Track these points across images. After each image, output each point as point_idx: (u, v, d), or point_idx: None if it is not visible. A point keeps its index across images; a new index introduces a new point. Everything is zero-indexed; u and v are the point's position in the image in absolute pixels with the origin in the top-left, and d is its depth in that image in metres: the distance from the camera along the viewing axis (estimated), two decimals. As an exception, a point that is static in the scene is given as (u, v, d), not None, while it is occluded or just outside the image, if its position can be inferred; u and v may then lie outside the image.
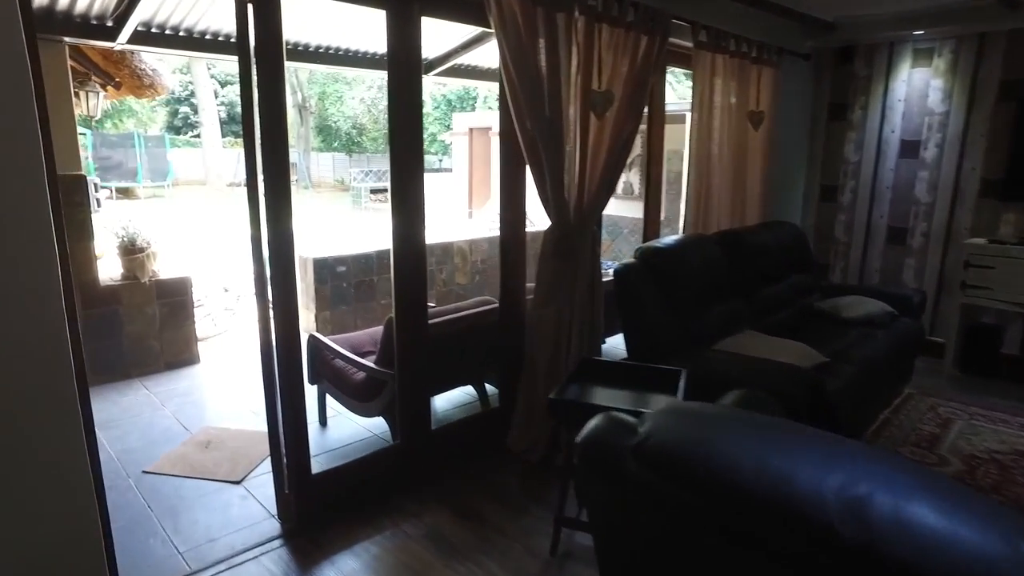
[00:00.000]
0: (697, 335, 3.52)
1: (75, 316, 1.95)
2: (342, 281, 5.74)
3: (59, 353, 1.74)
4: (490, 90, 17.80)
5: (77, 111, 4.75)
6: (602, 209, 3.62)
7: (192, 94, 28.32)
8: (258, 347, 2.75)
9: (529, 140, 3.14)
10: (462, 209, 14.64)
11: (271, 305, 2.70)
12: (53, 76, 4.12)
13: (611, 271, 3.60)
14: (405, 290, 3.06)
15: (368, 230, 13.92)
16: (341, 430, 3.86)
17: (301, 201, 21.24)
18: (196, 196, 22.34)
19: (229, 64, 32.89)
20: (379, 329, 4.10)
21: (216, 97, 25.99)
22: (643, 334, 3.46)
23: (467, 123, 14.92)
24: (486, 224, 12.81)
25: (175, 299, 4.77)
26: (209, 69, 27.63)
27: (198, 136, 27.90)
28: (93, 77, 4.75)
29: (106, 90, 5.22)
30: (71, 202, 4.21)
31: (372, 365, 3.27)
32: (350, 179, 20.99)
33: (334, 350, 3.53)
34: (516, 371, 3.53)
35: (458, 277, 6.68)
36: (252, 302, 6.62)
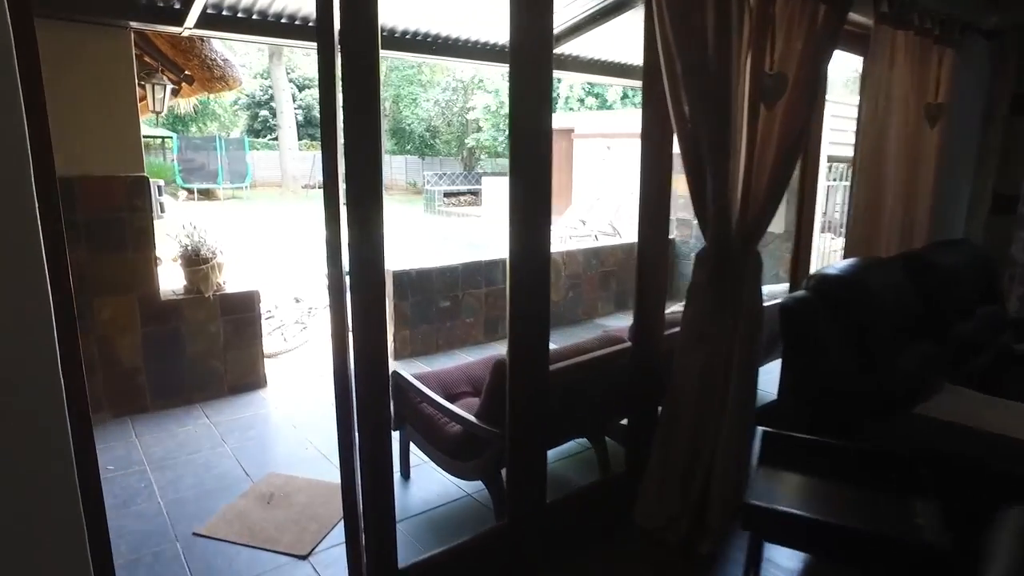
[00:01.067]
0: (889, 389, 2.68)
1: (76, 347, 1.41)
2: (425, 297, 5.12)
3: (47, 394, 1.14)
4: (572, 88, 17.08)
5: (143, 111, 4.31)
6: (767, 224, 2.83)
7: (271, 98, 28.82)
8: (332, 381, 2.13)
9: (688, 136, 2.41)
10: (539, 215, 13.96)
11: (350, 330, 2.07)
12: (116, 66, 3.65)
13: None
14: (523, 325, 2.37)
15: (444, 236, 13.43)
16: (427, 485, 3.20)
17: (374, 204, 21.04)
18: (272, 198, 22.55)
19: (309, 67, 33.48)
20: (473, 363, 3.43)
21: (294, 100, 26.27)
22: (816, 384, 2.65)
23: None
24: (566, 233, 12.10)
25: (241, 316, 4.25)
26: (288, 73, 28.06)
27: (276, 139, 28.34)
28: (161, 68, 4.30)
29: (178, 85, 4.78)
30: (131, 207, 3.74)
31: (472, 419, 2.59)
32: (423, 182, 20.63)
33: (422, 393, 2.87)
34: (648, 425, 2.79)
35: (550, 293, 5.96)
36: (326, 317, 6.13)
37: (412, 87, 26.15)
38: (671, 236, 7.18)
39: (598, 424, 3.07)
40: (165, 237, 4.16)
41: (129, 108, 3.71)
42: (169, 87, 4.42)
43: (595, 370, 2.71)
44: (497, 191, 16.01)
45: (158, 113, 4.51)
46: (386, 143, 29.36)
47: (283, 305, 6.22)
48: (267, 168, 26.31)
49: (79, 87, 3.55)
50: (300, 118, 27.23)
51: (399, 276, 4.97)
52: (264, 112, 30.28)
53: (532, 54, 2.19)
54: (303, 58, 34.01)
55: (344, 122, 1.88)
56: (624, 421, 3.13)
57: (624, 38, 5.18)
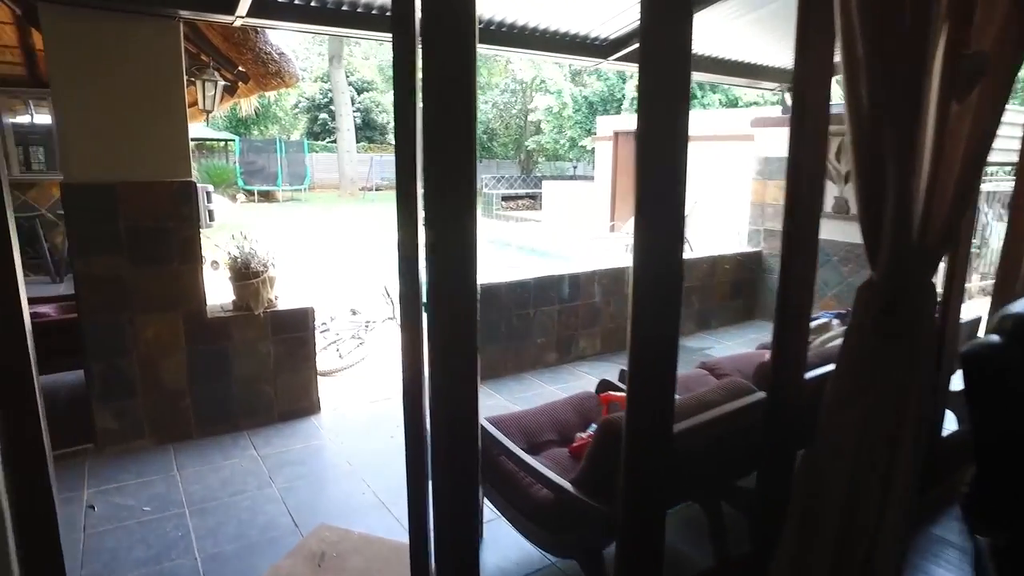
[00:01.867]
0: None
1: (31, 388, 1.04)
2: (492, 315, 4.64)
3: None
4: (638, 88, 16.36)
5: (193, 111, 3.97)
6: (950, 245, 2.23)
7: (330, 101, 29.07)
8: (394, 411, 1.67)
9: (863, 126, 1.84)
10: (602, 222, 13.34)
11: (428, 362, 1.60)
12: (163, 60, 3.30)
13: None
14: (646, 379, 1.84)
15: (504, 241, 12.97)
16: (504, 548, 2.70)
17: (430, 207, 20.82)
18: (330, 200, 22.61)
19: (367, 70, 33.69)
20: (559, 404, 2.91)
21: (352, 104, 26.36)
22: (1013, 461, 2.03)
23: (612, 126, 13.61)
24: (630, 241, 11.45)
25: (294, 335, 3.85)
26: (347, 76, 28.22)
27: (334, 141, 28.54)
28: (212, 63, 3.96)
29: (233, 83, 4.45)
30: (177, 215, 3.38)
31: (570, 488, 2.07)
32: (481, 185, 20.25)
33: (503, 446, 2.37)
34: (781, 491, 2.23)
35: (628, 310, 5.40)
36: (385, 331, 5.76)
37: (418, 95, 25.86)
38: (758, 249, 6.53)
39: (716, 487, 2.51)
40: (214, 248, 3.81)
41: (176, 107, 3.35)
42: (220, 83, 4.07)
43: (722, 427, 2.16)
44: (558, 196, 15.46)
45: (208, 112, 4.18)
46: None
47: (338, 317, 5.85)
48: (325, 170, 26.51)
49: (122, 84, 3.20)
50: (358, 121, 27.34)
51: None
52: (323, 115, 30.58)
53: (670, 48, 1.67)
54: (362, 61, 34.30)
55: (429, 123, 1.41)
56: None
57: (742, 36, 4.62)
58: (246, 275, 3.63)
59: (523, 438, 2.62)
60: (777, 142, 6.21)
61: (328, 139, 30.07)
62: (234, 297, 3.74)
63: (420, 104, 1.76)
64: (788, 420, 2.21)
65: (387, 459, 3.47)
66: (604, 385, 2.96)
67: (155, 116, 3.30)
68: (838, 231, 5.88)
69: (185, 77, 3.46)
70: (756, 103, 17.29)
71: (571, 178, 20.22)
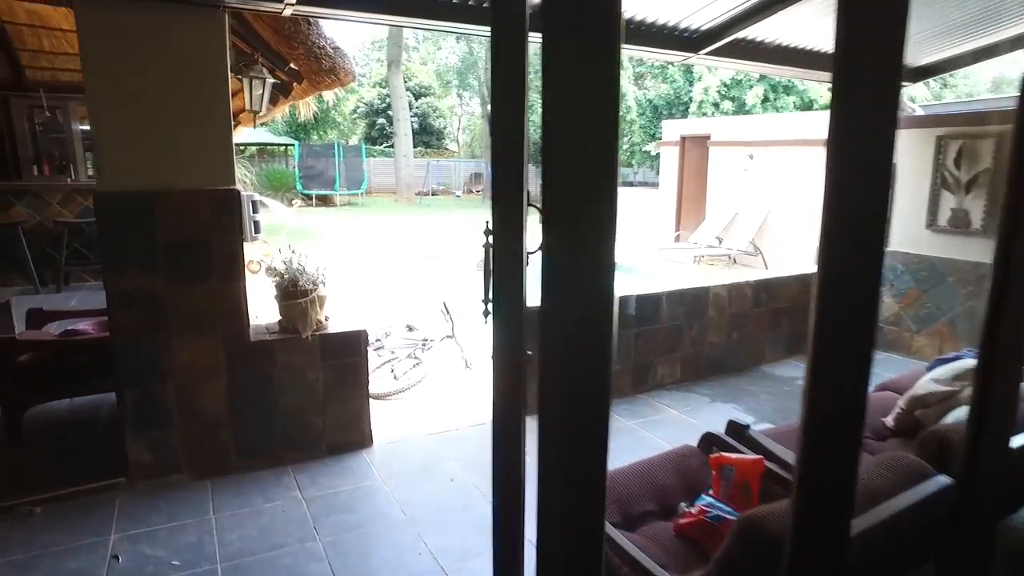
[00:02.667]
0: None
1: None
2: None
3: None
4: (707, 92, 15.68)
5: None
6: None
7: (388, 106, 29.21)
8: (491, 475, 1.31)
9: None
10: (667, 231, 12.70)
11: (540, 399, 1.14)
12: (206, 56, 2.95)
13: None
14: (825, 448, 1.33)
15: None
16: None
17: (484, 213, 20.51)
18: (386, 205, 22.57)
19: (425, 76, 33.78)
20: (655, 461, 2.40)
21: (410, 108, 26.32)
22: None
23: (679, 131, 12.96)
24: (699, 252, 10.83)
25: (345, 360, 3.46)
26: (406, 82, 28.27)
27: (391, 146, 28.61)
28: (260, 59, 3.62)
29: (287, 83, 4.11)
30: (219, 227, 3.02)
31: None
32: (537, 191, 19.80)
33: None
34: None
35: (711, 334, 4.84)
36: (444, 350, 5.34)
37: (528, 93, 25.48)
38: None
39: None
40: (257, 262, 3.46)
41: (220, 107, 3.00)
42: (269, 82, 3.73)
43: (900, 525, 1.62)
44: (620, 203, 14.85)
45: (256, 113, 3.85)
46: (499, 150, 28.91)
47: (393, 333, 5.47)
48: (382, 175, 26.56)
49: (161, 81, 2.87)
50: (415, 126, 27.32)
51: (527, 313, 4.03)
52: (381, 120, 30.76)
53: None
54: (420, 67, 34.41)
55: (558, 125, 0.96)
56: None
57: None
58: (293, 294, 3.26)
59: (615, 507, 2.13)
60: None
61: (385, 144, 30.20)
62: (280, 317, 3.37)
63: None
64: (991, 512, 1.65)
65: (447, 509, 3.03)
66: (709, 440, 2.45)
67: (196, 117, 2.95)
68: (952, 246, 5.18)
69: (231, 75, 3.12)
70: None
71: (631, 185, 19.58)
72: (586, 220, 0.98)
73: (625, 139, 16.80)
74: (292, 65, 3.81)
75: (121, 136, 2.83)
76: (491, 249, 2.25)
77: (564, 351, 0.97)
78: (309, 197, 20.62)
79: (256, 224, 3.27)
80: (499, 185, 1.37)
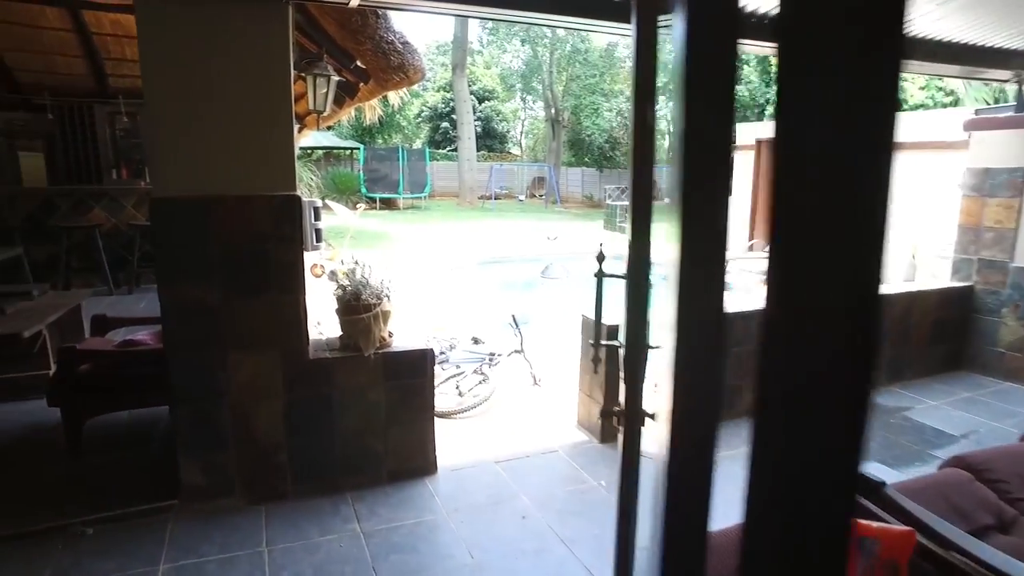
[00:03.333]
0: None
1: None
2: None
3: None
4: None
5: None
6: None
7: (452, 110, 29.29)
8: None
9: None
10: (740, 239, 12.05)
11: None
12: (268, 50, 2.74)
13: None
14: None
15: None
16: None
17: (548, 219, 20.22)
18: (449, 209, 22.55)
19: (488, 80, 33.76)
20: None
21: (473, 112, 26.27)
22: None
23: (753, 134, 12.29)
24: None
25: (409, 381, 3.20)
26: (470, 86, 28.28)
27: (454, 150, 28.67)
28: (326, 57, 3.40)
29: (354, 82, 3.90)
30: (278, 236, 2.81)
31: None
32: (604, 196, 19.38)
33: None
34: None
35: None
36: (512, 366, 5.04)
37: (594, 96, 25.06)
38: (968, 283, 5.24)
39: None
40: (320, 265, 3.23)
41: (281, 107, 2.79)
42: (334, 79, 3.51)
43: None
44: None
45: (319, 114, 3.64)
46: (564, 155, 28.60)
47: (459, 345, 5.21)
48: (445, 179, 26.62)
49: (219, 81, 2.67)
50: (478, 130, 27.28)
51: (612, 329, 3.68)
52: (444, 124, 30.89)
53: None
54: (484, 71, 34.40)
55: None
56: None
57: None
58: (356, 308, 3.02)
59: None
60: (1005, 149, 4.91)
61: (449, 148, 30.31)
62: (341, 333, 3.14)
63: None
64: None
65: (518, 554, 2.72)
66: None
67: (257, 118, 2.75)
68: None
69: (294, 73, 2.91)
70: (924, 105, 15.24)
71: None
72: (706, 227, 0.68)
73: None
74: (358, 63, 3.59)
75: (177, 139, 2.64)
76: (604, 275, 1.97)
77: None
78: (373, 200, 20.78)
79: (318, 232, 3.05)
80: (637, 195, 1.05)
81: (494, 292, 8.48)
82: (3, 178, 8.80)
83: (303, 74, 3.43)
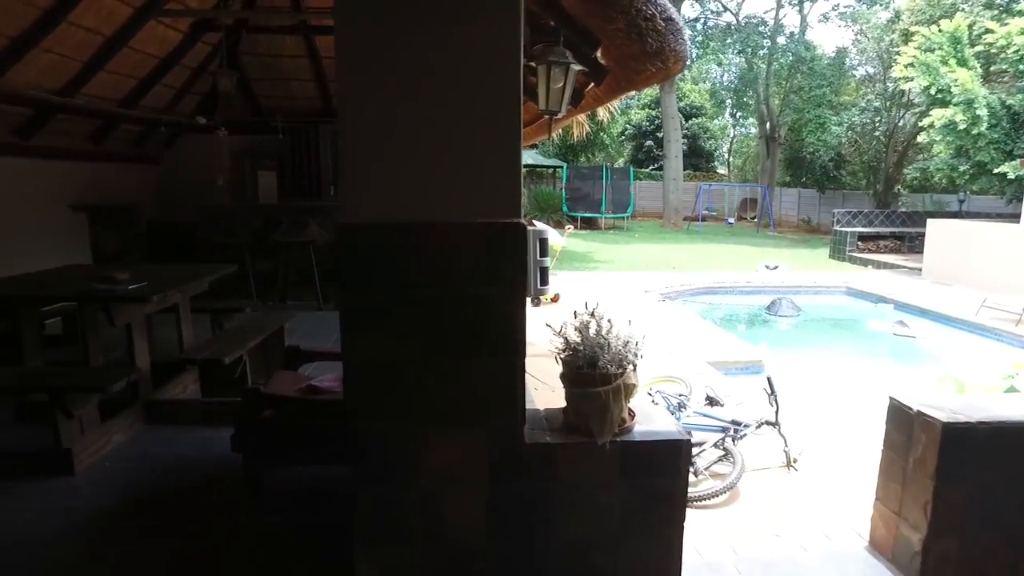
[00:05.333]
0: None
1: None
2: (999, 475, 2.53)
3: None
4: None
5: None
6: None
7: (657, 128, 28.10)
8: None
9: None
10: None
11: None
12: (490, 28, 2.02)
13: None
14: None
15: (875, 291, 9.98)
16: None
17: (761, 244, 18.24)
18: (651, 230, 21.42)
19: (696, 96, 32.11)
20: None
21: (680, 129, 24.88)
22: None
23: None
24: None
25: (655, 480, 2.30)
26: (679, 101, 26.92)
27: (658, 169, 27.43)
28: (563, 40, 2.64)
29: (581, 89, 3.13)
30: (495, 276, 2.07)
31: None
32: (831, 220, 17.00)
33: None
34: None
35: None
36: (761, 439, 3.88)
37: (819, 110, 22.43)
38: None
39: None
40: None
41: (507, 106, 2.05)
42: (575, 69, 2.71)
43: None
44: (948, 238, 11.73)
45: (552, 116, 2.87)
46: (778, 174, 26.11)
47: (690, 405, 4.21)
48: (647, 199, 25.55)
49: (423, 74, 2.00)
50: (684, 148, 25.81)
51: (951, 432, 2.47)
52: (648, 142, 29.80)
53: None
54: (691, 87, 32.73)
55: None
56: None
57: None
58: (590, 379, 2.18)
59: None
60: None
61: (652, 167, 29.14)
62: (565, 407, 2.33)
63: None
64: None
65: None
66: None
67: (472, 119, 2.04)
68: None
69: (523, 60, 2.16)
70: None
71: (955, 215, 15.79)
72: None
73: (961, 157, 13.34)
74: (597, 55, 2.79)
75: (372, 150, 2.01)
76: None
77: None
78: (575, 219, 20.31)
79: (543, 273, 2.28)
80: None
81: (712, 331, 7.30)
82: (243, 195, 9.46)
83: (532, 63, 2.70)
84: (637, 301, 8.78)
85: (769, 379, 3.79)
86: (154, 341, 4.26)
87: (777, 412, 3.81)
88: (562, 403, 2.35)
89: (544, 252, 2.32)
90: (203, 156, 9.04)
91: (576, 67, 2.71)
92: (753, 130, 32.06)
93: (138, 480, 3.25)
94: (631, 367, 2.24)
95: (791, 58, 24.50)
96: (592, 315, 2.28)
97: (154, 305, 3.63)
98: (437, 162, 2.03)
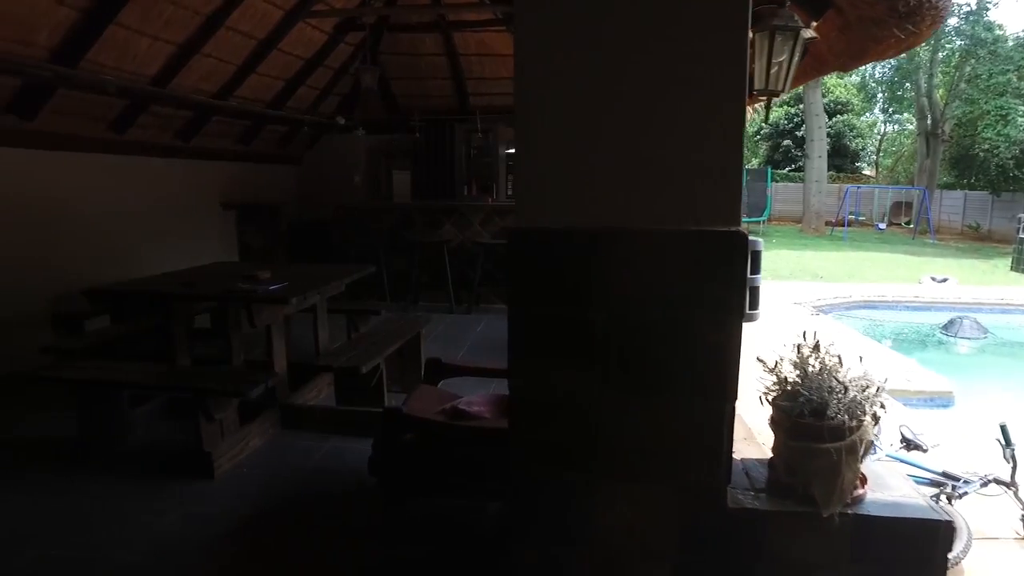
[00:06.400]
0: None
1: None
2: None
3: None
4: None
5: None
6: None
7: (796, 126, 26.16)
8: None
9: None
10: None
11: None
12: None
13: None
14: None
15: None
16: None
17: (920, 253, 16.34)
18: (789, 235, 19.90)
19: (842, 91, 29.71)
20: None
21: (823, 128, 22.96)
22: None
23: None
24: None
25: (897, 570, 1.76)
26: (824, 97, 24.92)
27: (796, 170, 25.57)
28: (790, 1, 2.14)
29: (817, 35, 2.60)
30: (702, 297, 1.63)
31: None
32: (1018, 227, 14.87)
33: None
34: None
35: None
36: (996, 503, 3.12)
37: (1001, 99, 19.80)
38: None
39: None
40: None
41: (731, 79, 1.60)
42: (805, 35, 2.19)
43: None
44: None
45: (772, 96, 2.37)
46: (941, 175, 23.50)
47: (881, 445, 3.53)
48: (785, 202, 23.91)
49: (621, 47, 1.59)
50: (827, 147, 23.82)
51: None
52: (787, 142, 27.91)
53: None
54: (836, 81, 30.22)
55: None
56: None
57: None
58: (814, 432, 1.70)
59: None
60: None
61: (789, 168, 27.26)
62: (774, 459, 1.85)
63: None
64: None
65: None
66: None
67: (683, 99, 1.61)
68: None
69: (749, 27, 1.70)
70: None
71: None
72: None
73: None
74: (811, 27, 2.27)
75: (556, 144, 1.64)
76: None
77: None
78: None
79: (753, 294, 1.82)
80: None
81: (883, 352, 6.37)
82: (378, 194, 9.57)
83: (754, 28, 2.23)
84: (787, 314, 7.94)
85: (1004, 427, 3.04)
86: (290, 340, 4.19)
87: (1014, 470, 3.07)
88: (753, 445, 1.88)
89: (756, 267, 1.87)
90: (341, 156, 9.23)
91: (807, 34, 2.18)
92: (909, 126, 29.16)
93: (272, 490, 3.11)
94: (868, 420, 1.73)
95: (965, 42, 21.85)
96: (816, 348, 1.79)
97: (293, 307, 3.50)
98: (632, 156, 1.62)
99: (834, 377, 1.74)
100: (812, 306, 8.71)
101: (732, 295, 1.60)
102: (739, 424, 1.81)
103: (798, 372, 1.77)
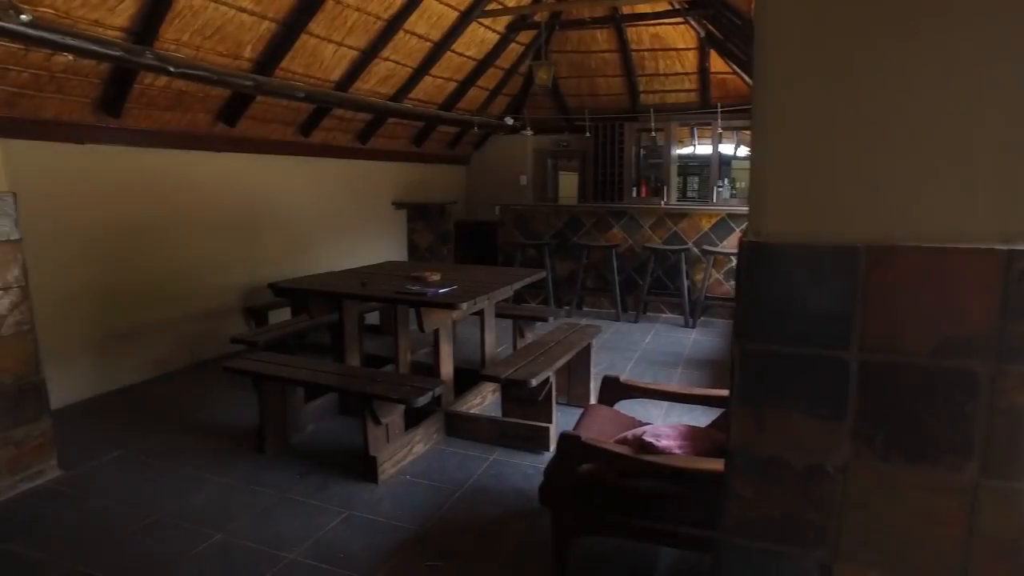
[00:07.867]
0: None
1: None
2: None
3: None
4: None
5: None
6: None
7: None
8: None
9: None
10: None
11: None
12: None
13: None
14: None
15: None
16: None
17: None
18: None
19: None
20: None
21: None
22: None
23: None
24: None
25: None
26: None
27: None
28: None
29: None
30: (1009, 347, 1.17)
31: None
32: None
33: None
34: None
35: None
36: None
37: None
38: None
39: None
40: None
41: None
42: None
43: None
44: None
45: None
46: None
47: None
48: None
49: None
50: None
51: None
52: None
53: None
54: None
55: None
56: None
57: None
58: None
59: None
60: None
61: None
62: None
63: None
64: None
65: None
66: None
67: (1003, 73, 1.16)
68: None
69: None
70: None
71: None
72: None
73: None
74: None
75: (807, 135, 1.25)
76: None
77: None
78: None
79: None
80: None
81: None
82: (544, 195, 9.44)
83: None
84: None
85: None
86: (456, 341, 4.09)
87: None
88: None
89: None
90: (507, 156, 9.21)
91: None
92: None
93: (433, 503, 2.98)
94: None
95: None
96: None
97: (463, 312, 3.37)
98: (916, 145, 1.20)
99: None
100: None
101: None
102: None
103: None
